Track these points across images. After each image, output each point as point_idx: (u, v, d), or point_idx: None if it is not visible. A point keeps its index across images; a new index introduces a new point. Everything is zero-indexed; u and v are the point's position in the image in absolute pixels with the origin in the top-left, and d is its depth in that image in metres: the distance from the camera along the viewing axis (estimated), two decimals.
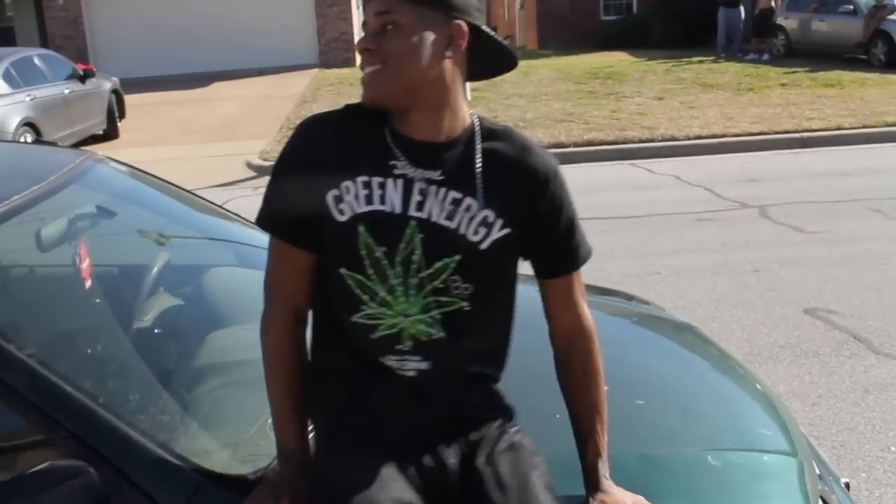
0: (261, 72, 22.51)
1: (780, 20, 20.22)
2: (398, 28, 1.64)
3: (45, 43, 23.92)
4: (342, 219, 1.69)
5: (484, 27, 1.72)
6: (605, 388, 1.90)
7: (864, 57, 17.88)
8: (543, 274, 1.84)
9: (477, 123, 1.76)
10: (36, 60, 13.56)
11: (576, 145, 11.43)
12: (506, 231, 1.71)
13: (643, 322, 3.14)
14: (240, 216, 3.36)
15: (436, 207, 1.69)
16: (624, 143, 11.43)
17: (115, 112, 15.19)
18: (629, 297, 3.46)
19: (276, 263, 1.79)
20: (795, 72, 16.99)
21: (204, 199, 3.41)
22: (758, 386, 2.68)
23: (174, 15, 24.18)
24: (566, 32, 25.99)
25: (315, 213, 1.70)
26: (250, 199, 9.67)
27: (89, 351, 2.25)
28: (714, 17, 21.30)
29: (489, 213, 1.70)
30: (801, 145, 11.31)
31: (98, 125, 14.42)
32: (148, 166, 11.44)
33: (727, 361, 2.83)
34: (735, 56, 20.19)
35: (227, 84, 20.85)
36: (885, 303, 5.63)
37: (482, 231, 1.70)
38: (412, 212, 1.68)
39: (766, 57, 19.61)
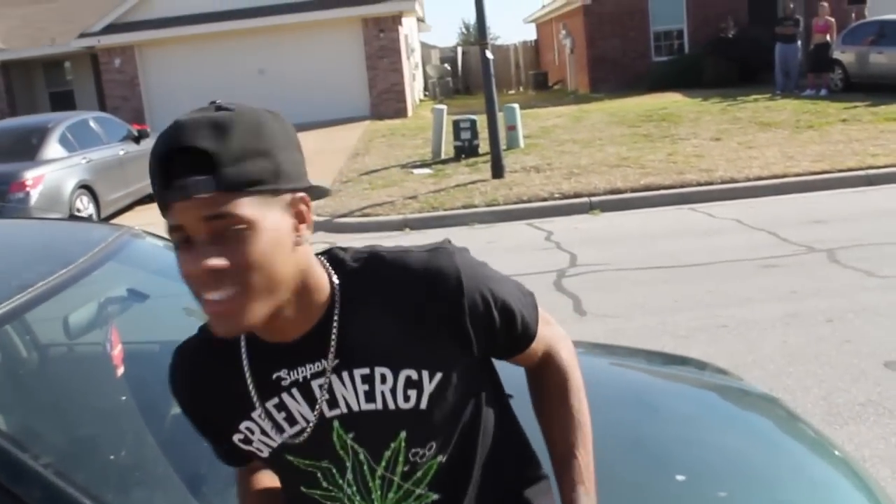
0: (311, 126, 22.66)
1: (836, 54, 19.81)
2: (248, 230, 1.22)
3: (103, 105, 24.40)
4: (265, 454, 1.46)
5: (311, 183, 1.36)
6: (677, 478, 1.66)
7: None
8: (506, 357, 1.54)
9: (336, 282, 1.39)
10: (91, 123, 13.73)
11: (633, 191, 11.18)
12: (438, 377, 1.39)
13: (722, 396, 2.87)
14: None
15: (350, 396, 1.39)
16: (682, 186, 11.15)
17: None
18: (702, 366, 3.20)
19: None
20: (855, 106, 16.58)
21: None
22: (854, 467, 2.42)
23: (224, 71, 24.56)
24: (618, 75, 25.82)
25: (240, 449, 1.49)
26: None
27: (113, 456, 2.07)
28: (768, 53, 21.00)
29: (410, 372, 1.38)
30: (867, 183, 10.93)
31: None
32: None
33: (820, 442, 2.56)
34: (792, 92, 19.83)
35: None
36: None
37: (412, 394, 1.39)
38: (328, 413, 1.40)
39: (823, 92, 19.22)
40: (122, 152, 13.53)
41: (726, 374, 3.15)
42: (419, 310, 1.37)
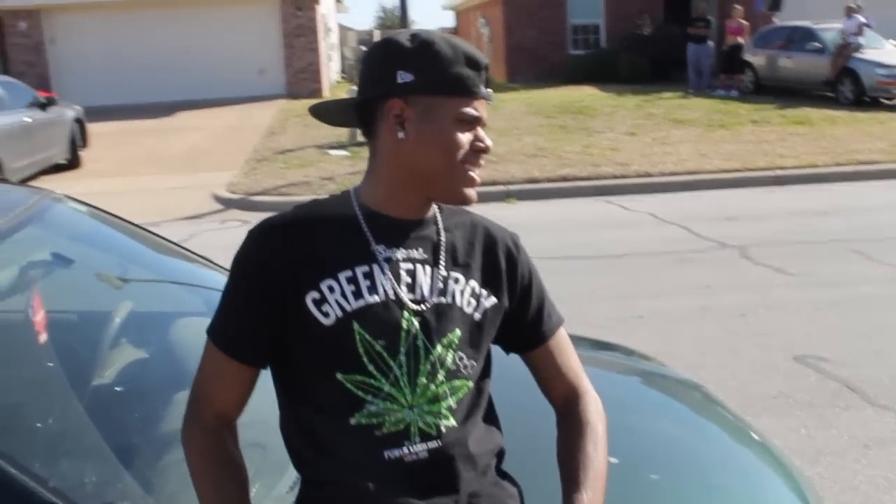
0: (225, 102, 22.29)
1: (748, 56, 20.30)
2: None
3: (6, 69, 23.50)
4: (329, 321, 1.53)
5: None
6: (611, 460, 1.66)
7: (831, 94, 17.99)
8: (523, 346, 1.75)
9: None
10: None
11: (549, 181, 11.26)
12: (493, 300, 1.66)
13: (649, 382, 2.90)
14: (207, 259, 3.10)
15: (426, 286, 1.60)
16: (598, 178, 11.28)
17: (78, 141, 14.86)
18: (629, 352, 3.22)
19: (214, 375, 1.58)
20: (765, 108, 17.02)
21: (169, 240, 3.15)
22: (775, 453, 2.46)
23: (139, 43, 23.93)
24: (535, 66, 25.97)
25: (285, 325, 1.54)
26: (217, 233, 9.39)
27: (39, 424, 1.97)
28: (682, 52, 21.39)
29: (475, 284, 1.65)
30: (776, 182, 11.23)
31: (60, 154, 14.08)
32: (111, 197, 11.11)
33: (741, 426, 2.60)
34: (704, 91, 20.24)
35: (193, 114, 20.59)
36: (874, 350, 5.46)
37: (473, 302, 1.64)
38: (405, 295, 1.58)
39: (734, 93, 19.68)
40: (27, 119, 13.03)
41: (651, 360, 3.19)
42: (492, 244, 1.68)
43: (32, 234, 2.54)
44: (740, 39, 20.38)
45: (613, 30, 25.91)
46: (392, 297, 1.56)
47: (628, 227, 9.26)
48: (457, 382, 1.59)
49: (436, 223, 1.65)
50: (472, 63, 1.57)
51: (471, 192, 1.59)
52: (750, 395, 4.82)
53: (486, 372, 1.69)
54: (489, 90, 1.60)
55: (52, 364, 2.20)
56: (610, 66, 24.22)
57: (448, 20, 42.77)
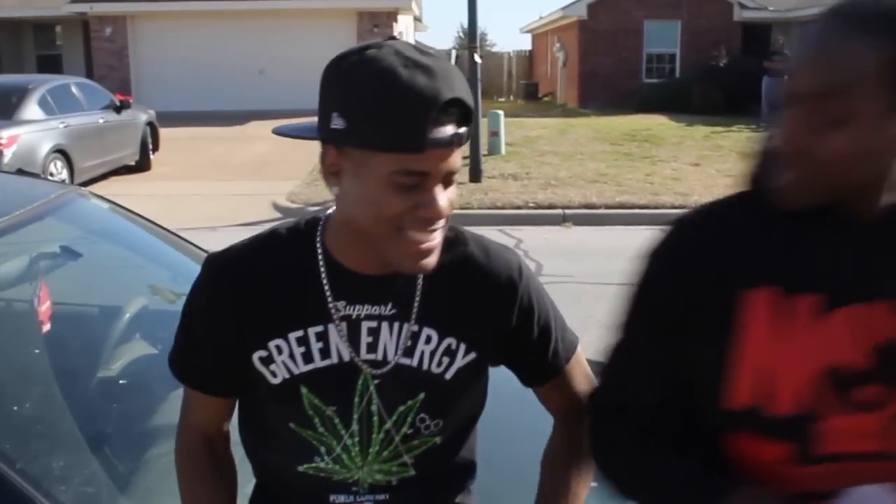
0: (298, 114, 22.59)
1: None
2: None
3: (90, 72, 24.22)
4: (276, 381, 1.40)
5: None
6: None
7: None
8: (530, 382, 1.60)
9: None
10: (73, 88, 13.62)
11: (607, 207, 11.20)
12: (471, 356, 1.45)
13: None
14: None
15: (390, 347, 1.41)
16: (656, 207, 11.18)
17: (149, 144, 15.24)
18: None
19: (190, 401, 1.53)
20: None
21: (192, 243, 3.21)
22: None
23: (217, 52, 24.44)
24: (607, 92, 25.89)
25: (238, 373, 1.42)
26: None
27: (16, 407, 2.03)
28: (757, 85, 21.12)
29: (451, 340, 1.43)
30: None
31: (130, 156, 14.45)
32: (174, 199, 11.37)
33: None
34: None
35: (265, 124, 20.81)
36: None
37: (445, 361, 1.43)
38: (363, 356, 1.41)
39: None
40: (101, 120, 13.42)
41: None
42: (482, 288, 1.45)
43: (50, 225, 2.62)
44: None
45: (689, 60, 25.70)
46: (346, 360, 1.40)
47: None
48: (415, 443, 1.45)
49: (412, 276, 1.42)
50: (420, 102, 1.22)
51: (420, 263, 1.31)
52: None
53: (467, 423, 1.54)
54: (458, 132, 1.26)
55: (48, 354, 2.26)
56: (683, 96, 24.02)
57: (526, 43, 42.86)
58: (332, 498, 1.46)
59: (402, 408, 1.42)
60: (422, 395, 1.42)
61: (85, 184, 12.88)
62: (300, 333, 1.39)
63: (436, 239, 1.32)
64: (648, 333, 1.37)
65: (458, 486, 1.58)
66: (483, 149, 13.33)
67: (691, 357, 1.31)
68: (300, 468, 1.45)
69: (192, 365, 1.47)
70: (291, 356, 1.39)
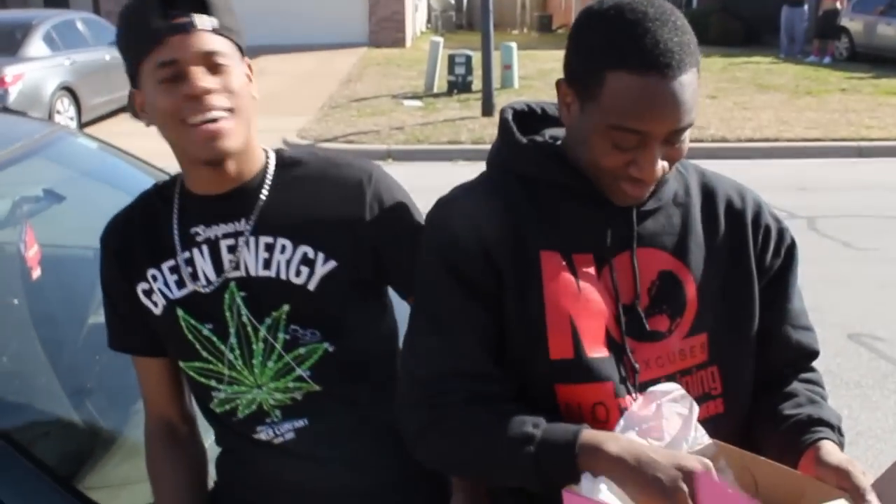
0: (307, 48, 22.33)
1: (844, 22, 19.50)
2: (231, 67, 1.42)
3: (97, 8, 23.89)
4: (158, 311, 1.52)
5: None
6: None
7: None
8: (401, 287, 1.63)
9: (273, 158, 1.55)
10: (79, 24, 13.43)
11: None
12: (331, 264, 1.48)
13: None
14: None
15: (250, 260, 1.49)
16: None
17: None
18: None
19: (139, 378, 1.63)
20: (858, 77, 16.36)
21: None
22: None
23: None
24: None
25: (138, 315, 1.55)
26: None
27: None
28: (776, 15, 20.68)
29: (307, 249, 1.48)
30: (858, 154, 10.79)
31: None
32: None
33: None
34: (795, 57, 19.56)
35: (274, 58, 20.63)
36: None
37: (304, 270, 1.48)
38: (229, 274, 1.49)
39: (827, 59, 18.96)
40: (108, 57, 13.19)
41: None
42: (332, 197, 1.50)
43: (37, 165, 2.52)
44: (838, 4, 19.57)
45: None
46: (214, 279, 1.49)
47: None
48: (302, 351, 1.49)
49: (262, 185, 1.51)
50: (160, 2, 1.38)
51: (208, 149, 1.40)
52: None
53: (366, 334, 1.55)
54: (190, 18, 1.37)
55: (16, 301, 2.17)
56: (701, 27, 23.37)
57: None
58: (255, 436, 1.53)
59: (269, 319, 1.48)
60: (286, 307, 1.48)
61: (93, 121, 12.76)
62: (172, 262, 1.51)
63: (216, 116, 1.38)
64: (466, 305, 1.36)
65: (384, 406, 1.48)
66: (496, 82, 13.10)
67: (510, 315, 1.35)
68: (211, 407, 1.54)
69: (115, 331, 1.59)
70: (166, 284, 1.51)
